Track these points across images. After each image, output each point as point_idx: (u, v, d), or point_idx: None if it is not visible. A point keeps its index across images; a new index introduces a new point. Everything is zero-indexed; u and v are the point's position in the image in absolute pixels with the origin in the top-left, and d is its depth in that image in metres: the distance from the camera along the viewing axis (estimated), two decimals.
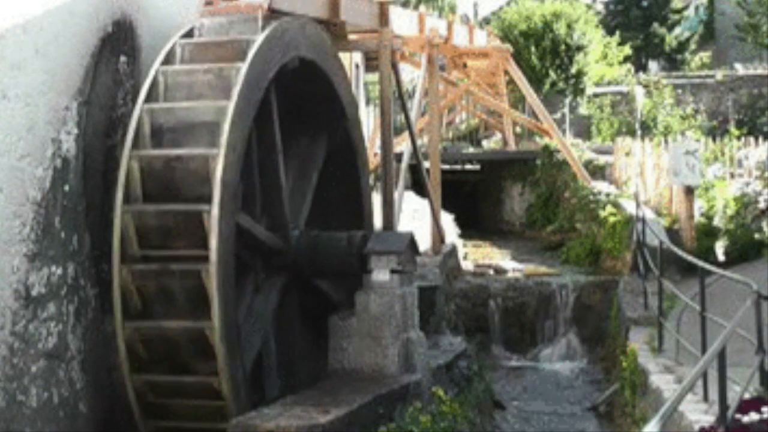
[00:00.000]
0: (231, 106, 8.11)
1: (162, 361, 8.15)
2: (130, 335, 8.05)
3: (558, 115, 28.07)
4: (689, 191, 15.70)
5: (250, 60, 8.41)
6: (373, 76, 23.38)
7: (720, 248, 15.23)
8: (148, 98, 8.44)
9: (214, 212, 7.83)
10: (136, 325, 8.07)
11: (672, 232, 15.72)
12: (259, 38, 8.64)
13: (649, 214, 16.24)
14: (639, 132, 27.35)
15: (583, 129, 29.71)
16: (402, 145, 18.41)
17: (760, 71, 32.21)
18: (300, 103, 10.16)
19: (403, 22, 15.44)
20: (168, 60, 8.73)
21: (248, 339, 8.86)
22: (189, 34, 9.13)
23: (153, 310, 8.16)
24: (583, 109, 30.55)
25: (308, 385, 9.14)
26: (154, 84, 8.53)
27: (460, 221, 21.98)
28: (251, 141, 8.75)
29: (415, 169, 18.53)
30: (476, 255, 21.18)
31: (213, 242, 7.81)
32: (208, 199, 7.90)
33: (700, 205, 16.73)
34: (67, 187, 7.96)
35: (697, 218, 16.10)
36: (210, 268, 7.79)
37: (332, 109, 10.49)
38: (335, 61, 10.47)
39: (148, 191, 8.19)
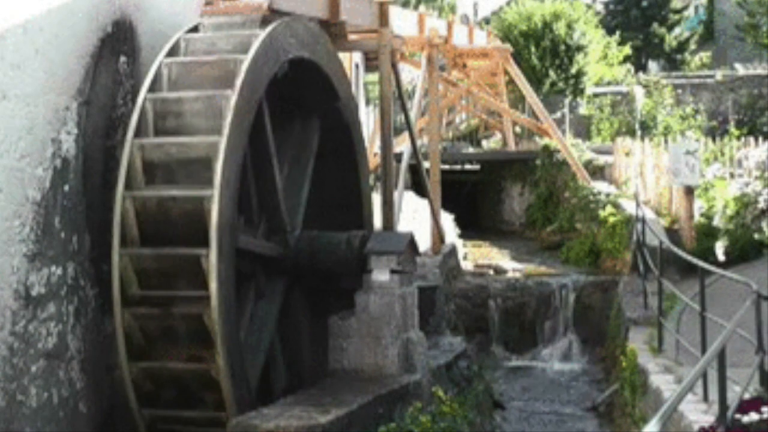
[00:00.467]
0: (223, 142, 8.02)
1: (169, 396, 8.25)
2: (136, 375, 8.11)
3: (558, 115, 28.07)
4: (689, 191, 15.71)
5: (240, 84, 8.28)
6: (373, 76, 23.40)
7: (720, 248, 15.22)
8: (138, 133, 8.37)
9: (212, 258, 7.81)
10: (141, 365, 8.14)
11: (672, 232, 15.73)
12: (249, 56, 8.49)
13: (649, 214, 16.24)
14: (639, 132, 27.34)
15: (583, 129, 29.70)
16: (402, 145, 18.40)
17: (760, 71, 32.19)
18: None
19: (403, 22, 15.45)
20: (155, 84, 8.64)
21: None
22: (194, 29, 9.16)
23: (156, 350, 8.19)
24: (582, 109, 30.55)
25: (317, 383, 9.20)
26: (143, 113, 8.45)
27: (459, 221, 21.98)
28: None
29: (415, 169, 18.54)
30: (476, 255, 21.18)
31: (213, 286, 7.81)
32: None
33: (699, 205, 16.73)
34: (67, 187, 7.96)
35: (697, 218, 16.10)
36: (212, 314, 7.80)
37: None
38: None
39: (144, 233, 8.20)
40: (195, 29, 9.18)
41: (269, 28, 8.86)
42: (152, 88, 8.53)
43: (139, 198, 8.15)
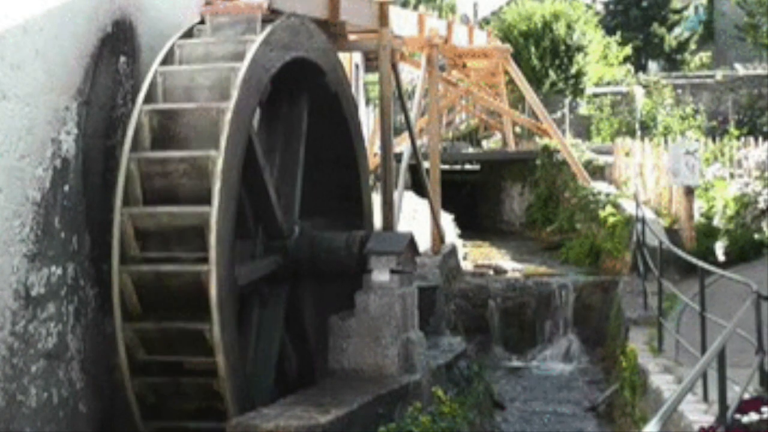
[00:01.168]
0: (220, 160, 7.98)
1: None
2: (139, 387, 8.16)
3: (558, 115, 28.07)
4: (689, 191, 15.71)
5: (236, 99, 8.23)
6: (373, 77, 23.39)
7: (720, 248, 15.22)
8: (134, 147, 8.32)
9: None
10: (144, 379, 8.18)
11: (672, 233, 15.73)
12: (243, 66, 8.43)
13: (649, 215, 16.23)
14: (639, 132, 27.35)
15: (583, 129, 29.71)
16: (402, 145, 18.41)
17: (760, 71, 32.20)
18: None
19: (402, 22, 15.45)
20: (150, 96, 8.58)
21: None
22: (189, 34, 9.12)
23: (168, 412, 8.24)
24: (582, 110, 30.56)
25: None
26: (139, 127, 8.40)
27: (459, 221, 21.98)
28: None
29: (415, 169, 18.54)
30: (476, 255, 21.18)
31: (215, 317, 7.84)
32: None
33: (699, 205, 16.73)
34: (66, 188, 7.96)
35: (697, 218, 16.10)
36: (214, 332, 7.81)
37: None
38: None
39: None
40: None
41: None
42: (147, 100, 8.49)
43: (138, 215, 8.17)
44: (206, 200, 7.93)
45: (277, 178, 9.74)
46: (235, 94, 8.20)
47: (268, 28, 8.85)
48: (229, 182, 8.03)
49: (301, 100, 10.11)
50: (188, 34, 9.11)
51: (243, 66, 8.35)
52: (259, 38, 8.67)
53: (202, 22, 9.21)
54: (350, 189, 10.95)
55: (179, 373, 8.15)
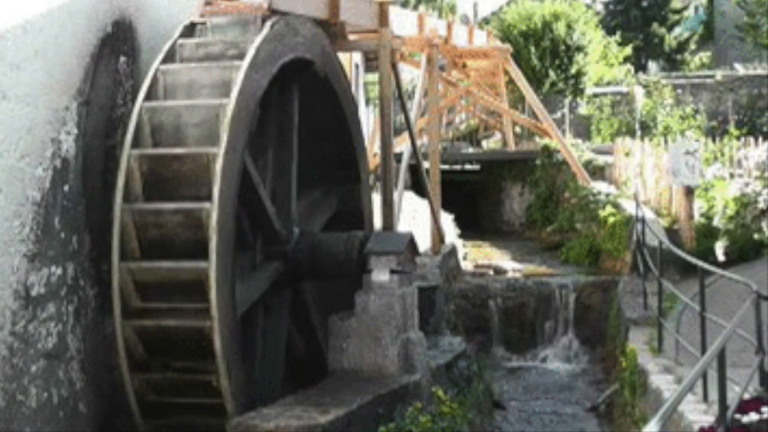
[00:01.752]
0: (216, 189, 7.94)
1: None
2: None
3: (558, 116, 28.08)
4: (689, 191, 15.70)
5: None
6: (373, 76, 23.39)
7: (720, 248, 15.23)
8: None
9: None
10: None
11: (672, 233, 15.73)
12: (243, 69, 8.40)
13: (649, 215, 16.23)
14: (639, 132, 27.35)
15: (583, 129, 29.71)
16: (402, 145, 18.40)
17: (759, 71, 32.20)
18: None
19: (402, 22, 15.45)
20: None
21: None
22: (188, 33, 9.10)
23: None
24: (582, 110, 30.56)
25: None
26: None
27: (459, 221, 21.97)
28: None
29: (414, 170, 18.54)
30: (476, 255, 21.17)
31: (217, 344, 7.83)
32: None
33: (699, 205, 16.73)
34: (66, 188, 7.96)
35: (697, 218, 16.09)
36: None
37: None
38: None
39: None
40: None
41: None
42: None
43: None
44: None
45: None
46: (224, 136, 8.06)
47: (252, 49, 8.60)
48: (224, 234, 7.99)
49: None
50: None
51: (231, 101, 8.18)
52: (245, 63, 8.45)
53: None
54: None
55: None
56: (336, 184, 10.89)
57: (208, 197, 7.89)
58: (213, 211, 7.78)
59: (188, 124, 8.37)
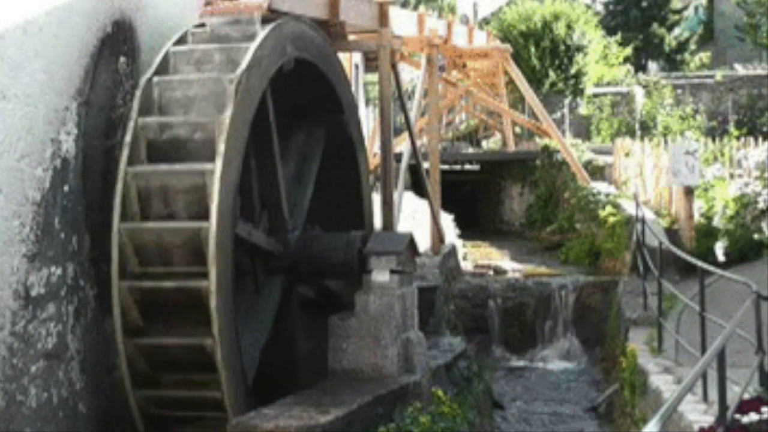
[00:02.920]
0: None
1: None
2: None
3: (557, 116, 28.10)
4: (689, 191, 15.72)
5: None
6: (373, 77, 23.39)
7: (719, 248, 15.23)
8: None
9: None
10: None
11: (671, 233, 15.73)
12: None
13: (649, 215, 16.24)
14: (638, 132, 27.36)
15: (583, 129, 29.74)
16: (402, 145, 18.41)
17: (759, 71, 32.24)
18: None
19: (402, 22, 15.45)
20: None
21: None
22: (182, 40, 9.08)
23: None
24: (582, 110, 30.57)
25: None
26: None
27: (459, 221, 21.98)
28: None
29: (414, 170, 18.55)
30: (476, 255, 21.19)
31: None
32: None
33: (699, 205, 16.74)
34: (66, 188, 7.96)
35: (697, 219, 16.10)
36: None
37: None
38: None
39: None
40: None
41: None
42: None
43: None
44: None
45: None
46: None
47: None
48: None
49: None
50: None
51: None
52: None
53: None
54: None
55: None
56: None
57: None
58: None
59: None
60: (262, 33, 8.63)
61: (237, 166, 8.19)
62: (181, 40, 8.93)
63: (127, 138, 8.18)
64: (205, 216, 7.83)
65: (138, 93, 8.42)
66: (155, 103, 8.43)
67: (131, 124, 8.23)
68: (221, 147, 7.90)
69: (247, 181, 8.92)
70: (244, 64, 8.24)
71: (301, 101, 10.19)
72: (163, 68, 8.61)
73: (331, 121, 10.57)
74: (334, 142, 10.64)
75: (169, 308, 8.01)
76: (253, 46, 8.44)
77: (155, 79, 8.48)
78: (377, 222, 11.77)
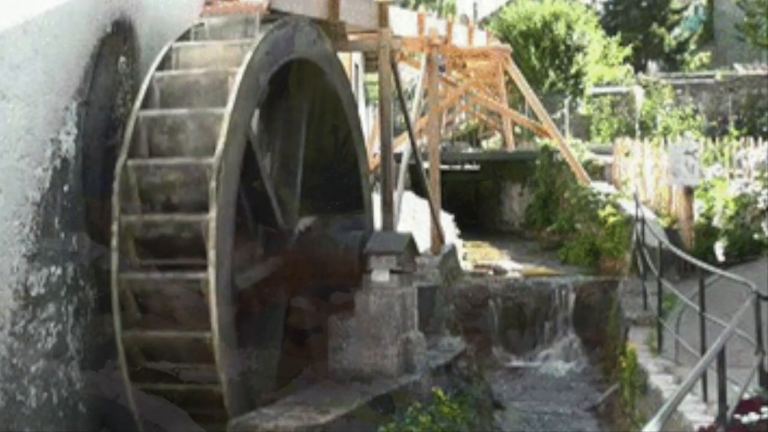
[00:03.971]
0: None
1: None
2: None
3: (557, 116, 28.09)
4: (688, 192, 15.70)
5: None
6: (373, 77, 23.38)
7: (719, 248, 15.21)
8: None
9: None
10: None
11: (671, 233, 15.72)
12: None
13: (649, 215, 16.23)
14: (638, 132, 27.35)
15: (583, 129, 29.74)
16: (401, 145, 18.41)
17: (759, 71, 32.23)
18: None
19: (402, 22, 15.44)
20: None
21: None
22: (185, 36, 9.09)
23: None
24: (582, 110, 30.57)
25: None
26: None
27: (459, 221, 21.98)
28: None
29: (414, 170, 18.54)
30: (476, 255, 21.18)
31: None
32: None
33: (699, 205, 16.72)
34: (66, 188, 7.96)
35: (697, 219, 16.09)
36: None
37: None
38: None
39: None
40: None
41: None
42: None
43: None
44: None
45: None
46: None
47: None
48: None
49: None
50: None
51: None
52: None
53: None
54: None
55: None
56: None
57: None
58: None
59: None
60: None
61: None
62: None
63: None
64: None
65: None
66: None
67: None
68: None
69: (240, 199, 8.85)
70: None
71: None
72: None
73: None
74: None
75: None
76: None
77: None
78: (377, 222, 11.77)
